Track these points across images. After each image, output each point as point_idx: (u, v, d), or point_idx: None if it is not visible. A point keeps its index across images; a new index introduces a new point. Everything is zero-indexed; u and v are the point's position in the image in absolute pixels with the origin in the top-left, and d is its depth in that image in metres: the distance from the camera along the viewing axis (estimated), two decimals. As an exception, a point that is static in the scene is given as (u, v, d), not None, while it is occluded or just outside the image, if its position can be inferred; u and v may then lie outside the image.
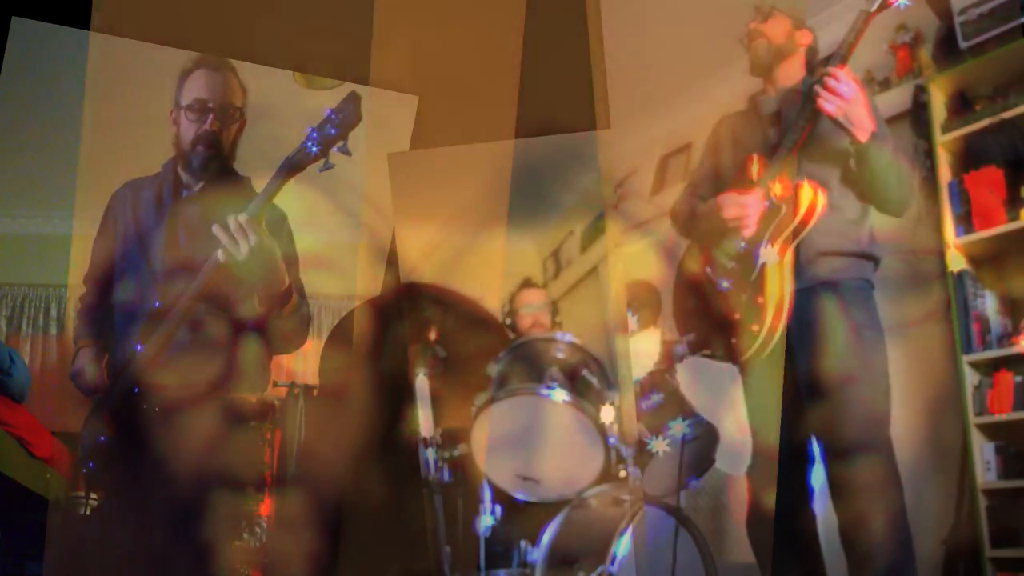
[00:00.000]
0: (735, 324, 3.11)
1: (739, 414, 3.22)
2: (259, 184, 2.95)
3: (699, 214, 3.25)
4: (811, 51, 3.21)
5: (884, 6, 2.97)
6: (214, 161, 3.05)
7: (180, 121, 3.06)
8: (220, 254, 2.85)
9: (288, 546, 3.24)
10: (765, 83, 3.24)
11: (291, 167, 2.85)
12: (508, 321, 3.60)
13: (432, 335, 3.50)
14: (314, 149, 2.83)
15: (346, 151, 2.83)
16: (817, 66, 3.16)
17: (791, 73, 3.20)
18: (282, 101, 3.39)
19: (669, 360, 3.41)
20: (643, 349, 3.43)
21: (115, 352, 3.04)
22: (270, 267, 2.91)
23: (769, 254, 3.06)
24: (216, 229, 2.83)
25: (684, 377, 3.39)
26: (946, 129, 3.36)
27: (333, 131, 2.82)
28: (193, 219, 3.03)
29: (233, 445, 3.07)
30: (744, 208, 3.11)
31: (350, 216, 3.42)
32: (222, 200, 2.97)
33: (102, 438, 2.99)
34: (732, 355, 3.15)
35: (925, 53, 3.40)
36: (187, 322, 2.96)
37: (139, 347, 2.97)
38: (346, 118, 2.82)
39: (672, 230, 3.39)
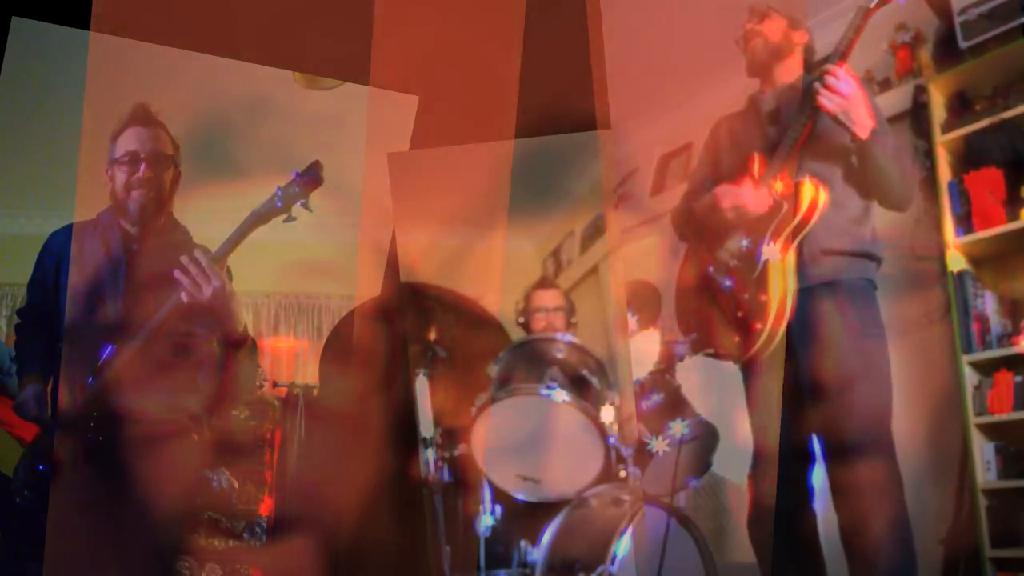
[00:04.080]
0: (738, 323, 3.11)
1: (740, 415, 3.22)
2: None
3: (697, 210, 3.25)
4: (808, 50, 3.22)
5: (883, 2, 2.98)
6: (151, 205, 3.22)
7: (114, 175, 3.22)
8: (183, 295, 3.07)
9: (288, 548, 3.25)
10: (762, 83, 3.25)
11: (257, 218, 3.11)
12: (521, 320, 3.59)
13: (432, 335, 3.50)
14: (279, 204, 3.10)
15: (307, 207, 3.10)
16: (816, 65, 3.16)
17: (789, 72, 3.21)
18: (283, 101, 3.40)
19: (669, 360, 3.41)
20: (643, 349, 3.43)
21: (65, 382, 3.17)
22: (228, 309, 3.14)
23: (771, 252, 3.06)
24: (178, 273, 3.07)
25: (684, 377, 3.39)
26: (946, 129, 3.35)
27: (296, 190, 3.10)
28: (147, 272, 3.21)
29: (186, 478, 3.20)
30: (741, 197, 3.12)
31: (350, 216, 3.42)
32: (173, 256, 3.15)
33: (40, 467, 3.13)
34: (735, 354, 3.15)
35: (925, 53, 3.40)
36: (142, 354, 3.14)
37: (90, 379, 3.12)
38: (309, 181, 3.11)
39: (672, 230, 3.39)
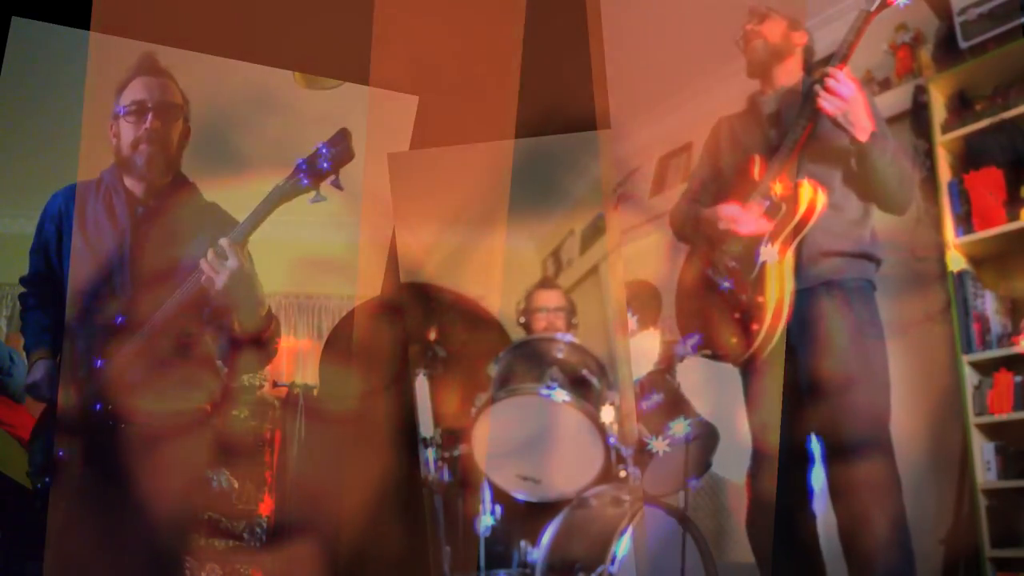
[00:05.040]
0: (735, 324, 3.12)
1: (739, 415, 3.22)
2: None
3: (702, 219, 3.26)
4: (807, 51, 3.23)
5: (884, 6, 2.99)
6: (159, 159, 3.05)
7: (119, 130, 3.07)
8: (202, 279, 2.90)
9: (288, 548, 3.25)
10: (762, 84, 3.25)
11: (281, 196, 2.91)
12: (522, 320, 3.59)
13: (432, 335, 3.50)
14: (305, 181, 2.88)
15: (338, 185, 2.87)
16: (816, 66, 3.17)
17: (788, 74, 3.22)
18: (283, 101, 3.40)
19: (669, 360, 3.41)
20: (643, 349, 3.43)
21: (72, 366, 3.03)
22: (250, 293, 2.98)
23: (769, 253, 3.07)
24: (203, 262, 2.88)
25: (684, 377, 3.39)
26: (946, 129, 3.36)
27: (325, 165, 2.88)
28: (155, 236, 3.04)
29: (201, 467, 3.14)
30: (738, 223, 3.12)
31: (350, 216, 3.42)
32: (182, 217, 3.01)
33: (60, 452, 3.01)
34: (732, 355, 3.16)
35: (925, 53, 3.40)
36: (155, 341, 2.99)
37: (99, 362, 2.99)
38: (339, 153, 2.88)
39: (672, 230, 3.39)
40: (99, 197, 3.09)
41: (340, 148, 2.88)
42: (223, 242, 2.90)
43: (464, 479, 3.37)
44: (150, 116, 3.03)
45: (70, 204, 3.11)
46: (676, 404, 3.36)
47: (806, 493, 3.13)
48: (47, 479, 3.04)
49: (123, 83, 3.10)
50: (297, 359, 3.48)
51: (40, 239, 3.17)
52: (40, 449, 3.07)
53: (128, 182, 3.09)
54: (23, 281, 3.20)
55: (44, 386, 3.07)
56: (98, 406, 3.01)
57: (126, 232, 3.06)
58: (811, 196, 3.04)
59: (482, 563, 3.27)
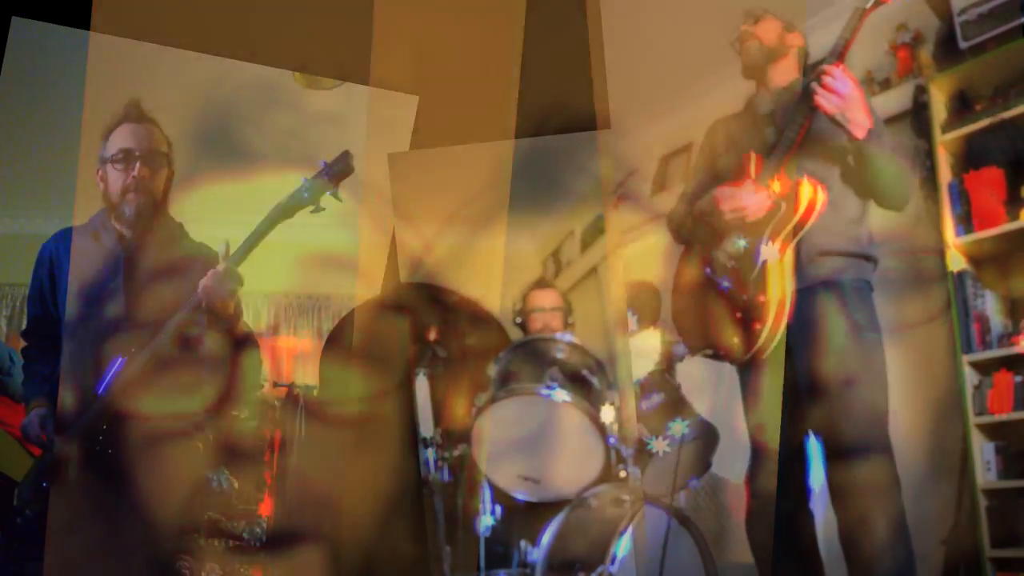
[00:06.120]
0: (737, 323, 3.11)
1: (739, 415, 3.22)
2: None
3: (697, 212, 3.25)
4: (802, 53, 3.22)
5: (879, 3, 2.98)
6: (147, 208, 3.15)
7: (107, 176, 3.16)
8: (202, 304, 3.01)
9: (287, 548, 3.25)
10: (758, 85, 3.25)
11: (282, 212, 3.03)
12: (518, 320, 3.59)
13: (432, 335, 3.50)
14: (306, 195, 3.02)
15: (337, 197, 3.02)
16: (813, 67, 3.16)
17: (783, 75, 3.21)
18: (283, 101, 3.40)
19: (669, 360, 3.41)
20: (643, 349, 3.43)
21: (69, 391, 3.11)
22: (235, 309, 3.10)
23: (770, 252, 3.06)
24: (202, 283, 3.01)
25: (684, 377, 3.39)
26: (946, 129, 3.36)
27: (325, 179, 3.02)
28: (145, 280, 3.14)
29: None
30: (741, 200, 3.11)
31: (350, 217, 3.42)
32: (172, 259, 3.13)
33: (44, 484, 3.08)
34: (734, 355, 3.15)
35: (925, 53, 3.40)
36: (155, 363, 3.07)
37: (101, 391, 3.06)
38: (339, 171, 3.03)
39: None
40: (92, 241, 3.18)
41: (341, 166, 3.03)
42: (220, 268, 3.01)
43: (464, 479, 3.37)
44: (137, 165, 3.13)
45: (60, 248, 3.20)
46: (676, 404, 3.36)
47: (804, 493, 3.13)
48: (29, 513, 3.10)
49: (109, 128, 3.17)
50: (297, 359, 3.48)
51: (35, 284, 3.23)
52: (30, 486, 3.13)
53: (118, 226, 3.17)
54: (23, 334, 3.25)
55: (36, 427, 3.13)
56: (103, 427, 3.07)
57: (119, 272, 3.14)
58: (811, 195, 3.03)
59: (482, 563, 3.27)
